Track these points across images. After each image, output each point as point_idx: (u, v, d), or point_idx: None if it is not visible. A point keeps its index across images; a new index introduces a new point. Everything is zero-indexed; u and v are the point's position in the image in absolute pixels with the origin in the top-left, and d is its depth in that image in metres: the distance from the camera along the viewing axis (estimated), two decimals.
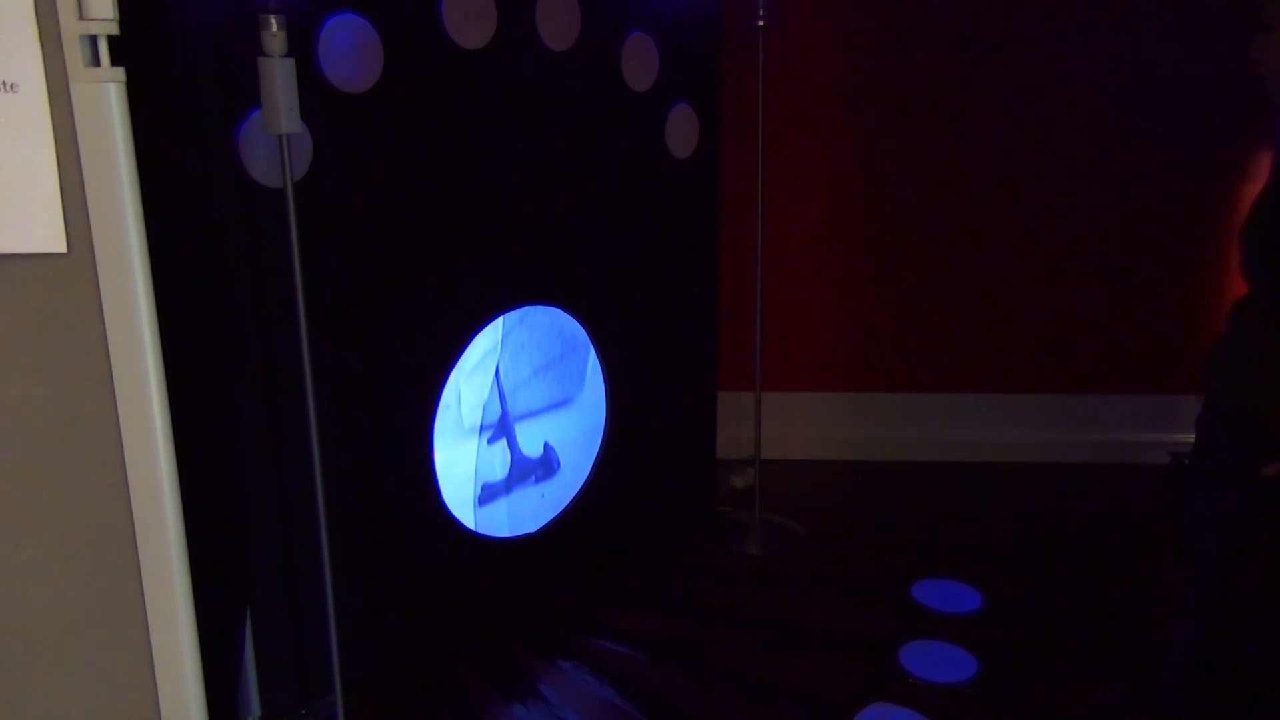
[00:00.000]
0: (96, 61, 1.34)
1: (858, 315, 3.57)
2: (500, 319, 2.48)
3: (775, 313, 3.41)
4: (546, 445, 2.86)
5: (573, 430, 2.86)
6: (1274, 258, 1.63)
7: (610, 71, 2.52)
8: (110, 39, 1.34)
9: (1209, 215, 3.37)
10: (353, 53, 1.95)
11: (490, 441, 2.75)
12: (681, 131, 2.74)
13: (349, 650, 2.00)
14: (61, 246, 1.37)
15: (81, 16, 1.31)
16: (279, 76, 1.62)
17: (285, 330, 1.83)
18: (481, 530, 2.47)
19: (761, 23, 2.73)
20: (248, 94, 1.73)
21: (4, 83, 1.30)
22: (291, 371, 1.82)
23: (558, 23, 2.34)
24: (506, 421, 2.77)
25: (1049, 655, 2.42)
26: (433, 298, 2.23)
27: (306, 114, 1.71)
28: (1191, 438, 1.84)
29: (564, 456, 2.82)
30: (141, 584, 1.50)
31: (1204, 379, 1.81)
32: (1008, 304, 3.51)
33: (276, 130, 1.65)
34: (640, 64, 2.57)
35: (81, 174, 1.36)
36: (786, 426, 3.57)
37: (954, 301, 3.52)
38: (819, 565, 2.87)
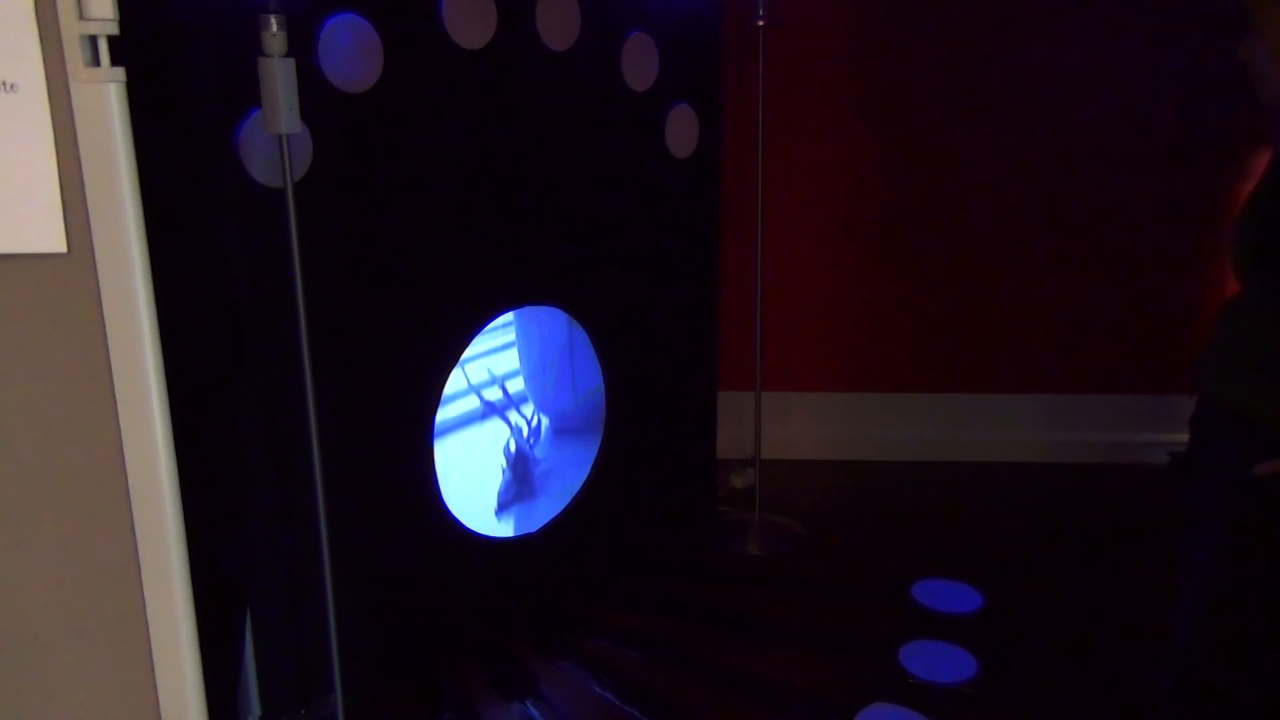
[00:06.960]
0: (96, 61, 1.34)
1: (858, 315, 3.57)
2: (500, 318, 2.48)
3: (775, 313, 3.41)
4: (546, 444, 2.87)
5: (573, 430, 2.86)
6: (1263, 256, 1.63)
7: (610, 71, 2.52)
8: (110, 39, 1.34)
9: (1209, 215, 3.37)
10: (353, 53, 1.95)
11: (491, 441, 2.75)
12: (681, 131, 2.74)
13: (349, 650, 2.00)
14: (61, 246, 1.37)
15: (81, 16, 1.32)
16: (279, 76, 1.62)
17: (285, 330, 1.83)
18: (482, 530, 2.47)
19: (761, 23, 2.73)
20: (248, 94, 1.73)
21: (4, 83, 1.30)
22: (291, 371, 1.82)
23: (558, 23, 2.34)
24: (507, 420, 2.77)
25: (1049, 655, 2.42)
26: (433, 297, 2.23)
27: (306, 114, 1.72)
28: None
29: (564, 456, 2.82)
30: (141, 584, 1.50)
31: (1195, 378, 1.80)
32: (1007, 304, 3.51)
33: (276, 130, 1.65)
34: (640, 64, 2.57)
35: (81, 174, 1.36)
36: (786, 426, 3.57)
37: (954, 301, 3.52)
38: (819, 565, 2.87)
